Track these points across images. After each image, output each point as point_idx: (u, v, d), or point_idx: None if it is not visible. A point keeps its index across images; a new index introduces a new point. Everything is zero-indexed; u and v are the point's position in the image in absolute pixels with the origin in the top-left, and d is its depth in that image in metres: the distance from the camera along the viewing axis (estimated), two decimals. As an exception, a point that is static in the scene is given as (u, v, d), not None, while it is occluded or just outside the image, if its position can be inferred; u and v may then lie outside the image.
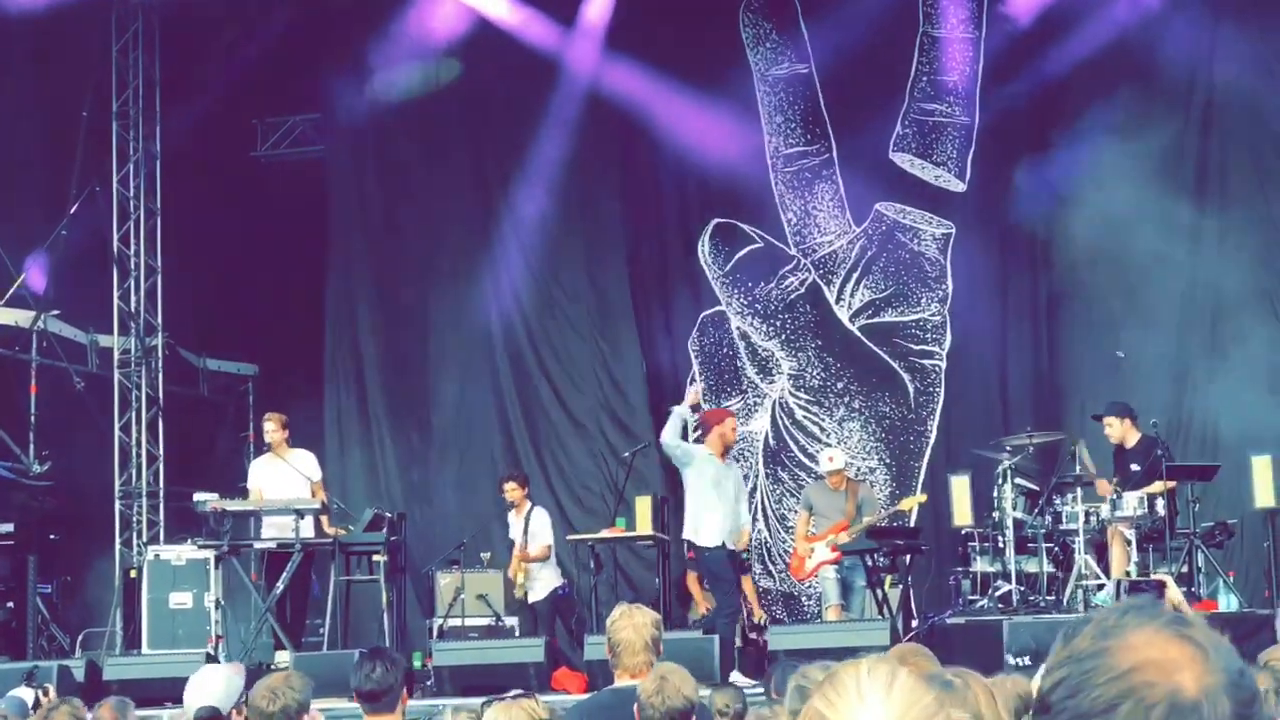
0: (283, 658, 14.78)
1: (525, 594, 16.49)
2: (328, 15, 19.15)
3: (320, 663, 13.51)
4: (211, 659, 14.66)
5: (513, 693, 6.30)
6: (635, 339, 18.73)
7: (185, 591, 16.54)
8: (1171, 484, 14.84)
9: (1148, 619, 2.01)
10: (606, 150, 18.91)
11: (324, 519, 15.94)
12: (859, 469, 17.63)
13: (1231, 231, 17.01)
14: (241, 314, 19.90)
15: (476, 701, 7.64)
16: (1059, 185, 17.19)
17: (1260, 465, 15.47)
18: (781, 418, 18.41)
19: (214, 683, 7.54)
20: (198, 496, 16.57)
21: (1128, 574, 14.28)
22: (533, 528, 16.60)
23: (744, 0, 18.54)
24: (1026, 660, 8.22)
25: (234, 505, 15.95)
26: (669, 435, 15.04)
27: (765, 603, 18.02)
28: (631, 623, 7.10)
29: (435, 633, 16.46)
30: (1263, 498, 15.42)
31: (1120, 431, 15.34)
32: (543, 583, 16.58)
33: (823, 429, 18.19)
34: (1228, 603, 14.53)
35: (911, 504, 16.33)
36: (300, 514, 15.58)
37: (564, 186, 18.71)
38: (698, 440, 15.71)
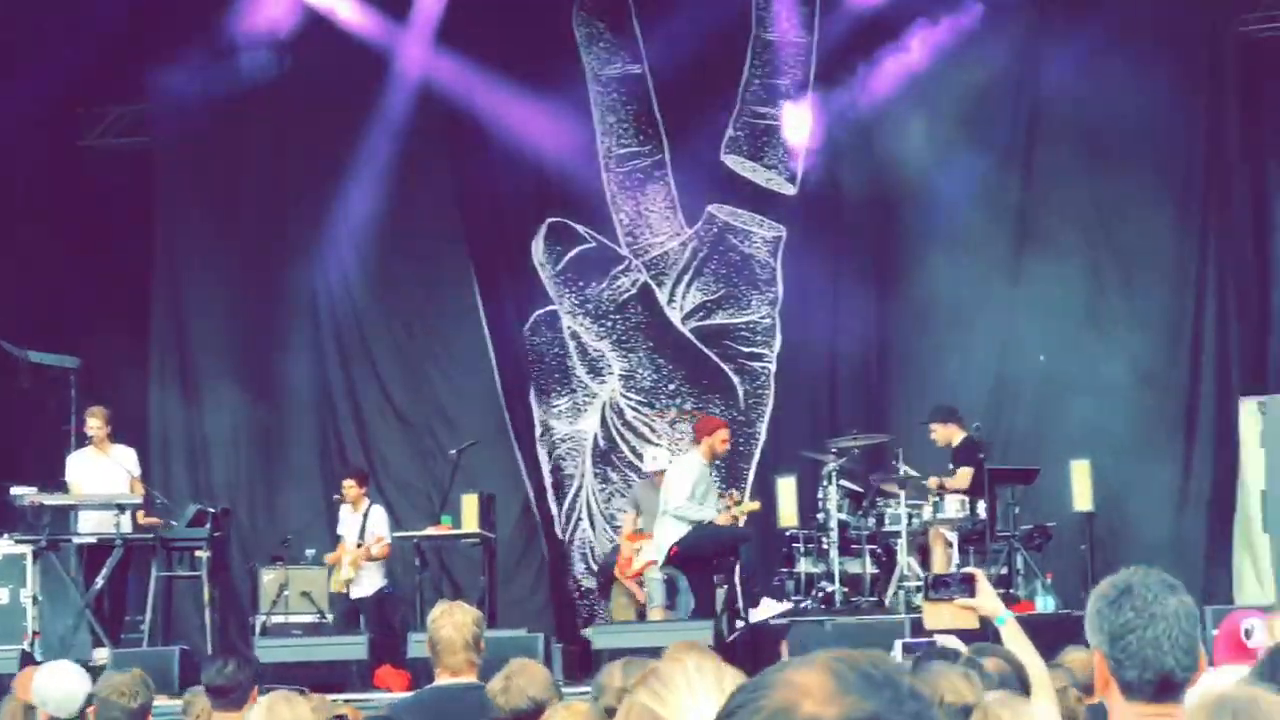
0: (101, 654, 14.55)
1: (347, 589, 16.37)
2: (156, 3, 18.87)
3: (140, 660, 13.30)
4: (28, 656, 14.40)
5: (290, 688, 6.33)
6: (469, 336, 18.63)
7: (1, 587, 16.23)
8: (968, 475, 15.05)
9: (830, 653, 2.08)
10: (440, 146, 18.75)
11: (139, 514, 15.75)
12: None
13: (1057, 240, 17.26)
14: (65, 306, 19.55)
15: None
16: (889, 190, 17.39)
17: (1079, 469, 15.75)
18: (612, 418, 18.44)
19: (71, 681, 7.47)
20: (15, 490, 16.24)
21: (946, 573, 14.48)
22: (372, 525, 16.51)
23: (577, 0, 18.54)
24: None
25: (52, 499, 15.70)
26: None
27: (588, 602, 18.08)
28: (452, 620, 7.08)
29: (258, 629, 16.30)
30: (1080, 501, 15.70)
31: (945, 435, 15.56)
32: (370, 580, 16.49)
33: (653, 430, 18.24)
34: (1045, 604, 14.75)
35: (745, 510, 16.34)
36: (121, 508, 15.38)
37: (397, 182, 18.51)
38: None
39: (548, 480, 18.50)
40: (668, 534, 14.69)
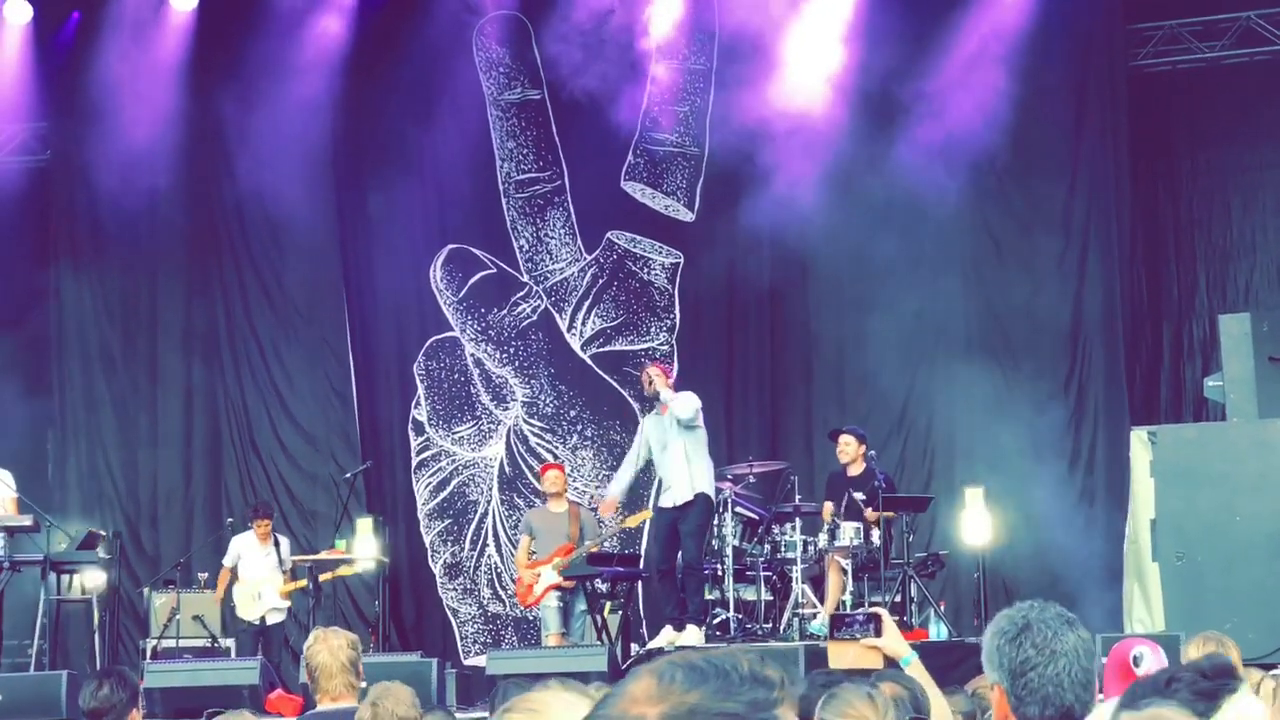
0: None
1: (262, 619, 16.23)
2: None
3: (27, 684, 13.18)
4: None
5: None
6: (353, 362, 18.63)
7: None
8: (889, 514, 15.05)
9: (669, 657, 2.19)
10: (337, 173, 18.72)
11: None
12: (591, 495, 17.63)
13: (955, 267, 17.39)
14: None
15: None
16: (786, 218, 17.44)
17: (972, 497, 15.85)
18: (516, 444, 18.42)
19: None
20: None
21: (843, 603, 14.50)
22: (285, 555, 16.44)
23: (477, 24, 18.52)
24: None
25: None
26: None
27: (496, 627, 18.05)
28: (327, 645, 7.04)
29: (149, 654, 16.17)
30: (973, 529, 15.80)
31: (854, 453, 15.36)
32: (280, 608, 16.39)
33: (556, 456, 18.20)
34: (937, 632, 14.81)
35: (639, 519, 16.23)
36: (10, 531, 15.16)
37: (289, 205, 18.48)
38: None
39: (424, 508, 18.43)
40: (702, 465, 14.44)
